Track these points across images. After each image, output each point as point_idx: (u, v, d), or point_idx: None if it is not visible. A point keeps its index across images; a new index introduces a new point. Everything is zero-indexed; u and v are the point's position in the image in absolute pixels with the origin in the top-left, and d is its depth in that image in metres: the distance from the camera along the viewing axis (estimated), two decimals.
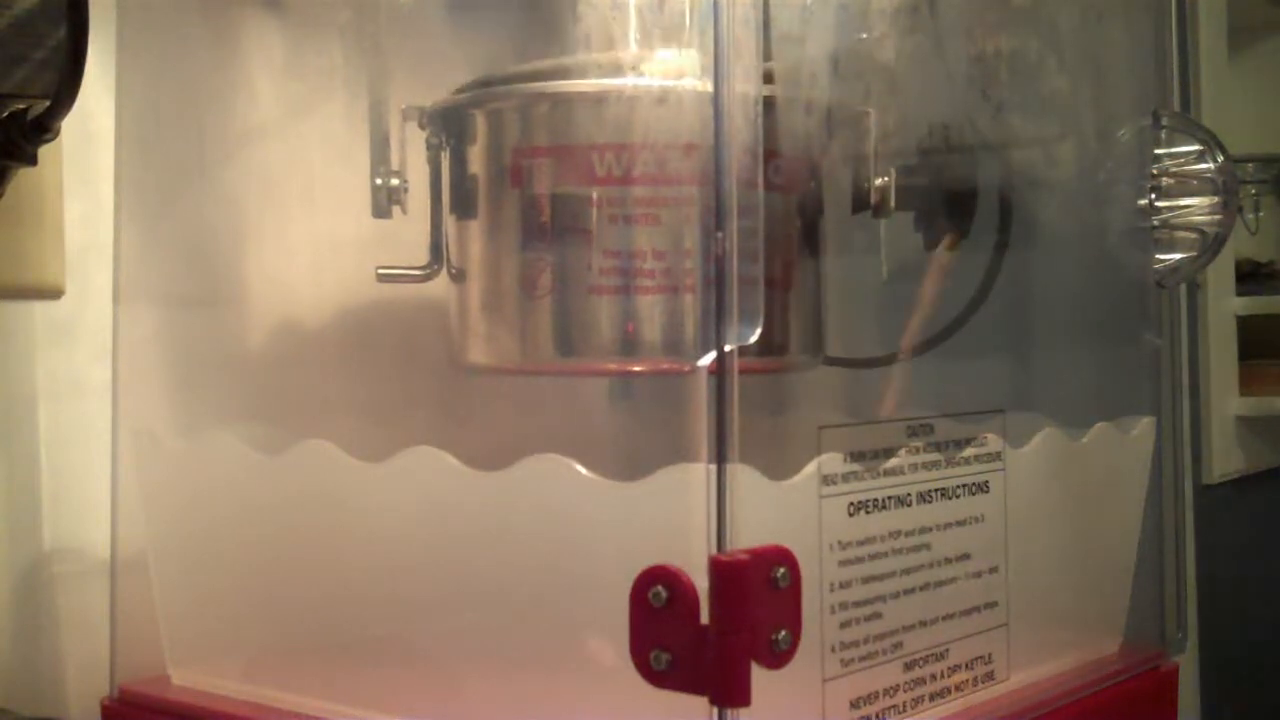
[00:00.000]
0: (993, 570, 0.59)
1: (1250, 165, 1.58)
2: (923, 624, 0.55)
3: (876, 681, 0.53)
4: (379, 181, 0.62)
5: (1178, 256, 0.70)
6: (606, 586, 0.46)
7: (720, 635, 0.42)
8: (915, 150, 0.64)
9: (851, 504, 0.52)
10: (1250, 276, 1.57)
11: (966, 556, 0.58)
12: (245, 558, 0.60)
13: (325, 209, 0.67)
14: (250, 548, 0.60)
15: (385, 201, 0.61)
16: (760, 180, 0.45)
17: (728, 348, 0.43)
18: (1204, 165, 0.69)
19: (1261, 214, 1.60)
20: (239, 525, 0.60)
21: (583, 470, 0.49)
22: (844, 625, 0.52)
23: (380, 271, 0.61)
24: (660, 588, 0.42)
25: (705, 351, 0.44)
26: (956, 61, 0.64)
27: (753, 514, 0.43)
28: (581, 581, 0.50)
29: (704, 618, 0.42)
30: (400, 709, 0.54)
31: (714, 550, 0.43)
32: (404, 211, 0.62)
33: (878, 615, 0.53)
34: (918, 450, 0.56)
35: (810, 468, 0.51)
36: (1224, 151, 0.69)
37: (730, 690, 0.42)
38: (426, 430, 0.56)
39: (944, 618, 0.57)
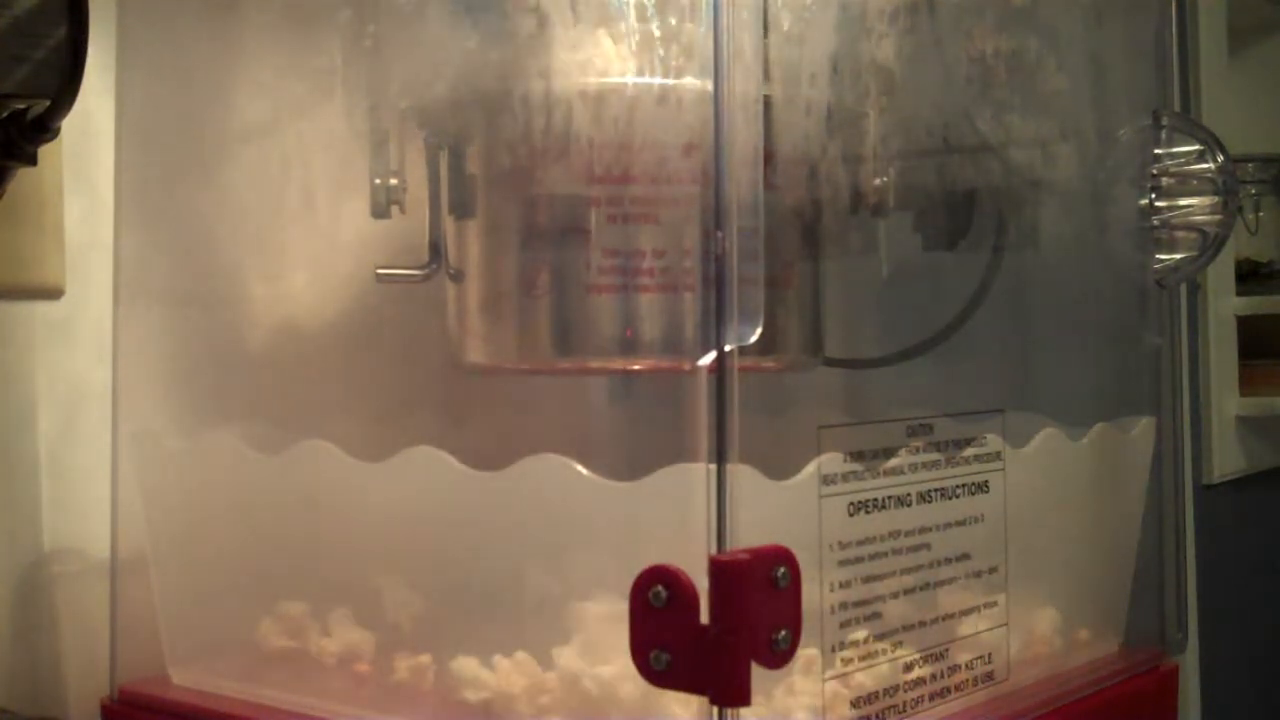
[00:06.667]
0: (993, 570, 0.59)
1: (1250, 165, 1.57)
2: (923, 624, 0.55)
3: (876, 681, 0.53)
4: (378, 181, 0.62)
5: (1178, 256, 0.70)
6: (607, 586, 0.46)
7: (720, 635, 0.42)
8: (915, 150, 0.64)
9: (851, 504, 0.52)
10: (1250, 276, 1.56)
11: (966, 556, 0.58)
12: (245, 558, 0.60)
13: (325, 209, 0.66)
14: (250, 548, 0.60)
15: (384, 201, 0.61)
16: (760, 180, 0.45)
17: (728, 347, 0.43)
18: (1204, 165, 0.69)
19: (1261, 214, 1.60)
20: (239, 525, 0.60)
21: (583, 470, 0.49)
22: (844, 625, 0.52)
23: (379, 272, 0.61)
24: (660, 588, 0.42)
25: (705, 351, 0.44)
26: (956, 61, 0.64)
27: (753, 514, 0.43)
28: (582, 582, 0.50)
29: (704, 618, 0.42)
30: (400, 709, 0.54)
31: (714, 550, 0.43)
32: (402, 211, 0.62)
33: (878, 615, 0.53)
34: (918, 450, 0.55)
35: (810, 468, 0.51)
36: (1224, 151, 0.69)
37: (730, 690, 0.42)
38: (426, 430, 0.56)
39: (944, 618, 0.57)
